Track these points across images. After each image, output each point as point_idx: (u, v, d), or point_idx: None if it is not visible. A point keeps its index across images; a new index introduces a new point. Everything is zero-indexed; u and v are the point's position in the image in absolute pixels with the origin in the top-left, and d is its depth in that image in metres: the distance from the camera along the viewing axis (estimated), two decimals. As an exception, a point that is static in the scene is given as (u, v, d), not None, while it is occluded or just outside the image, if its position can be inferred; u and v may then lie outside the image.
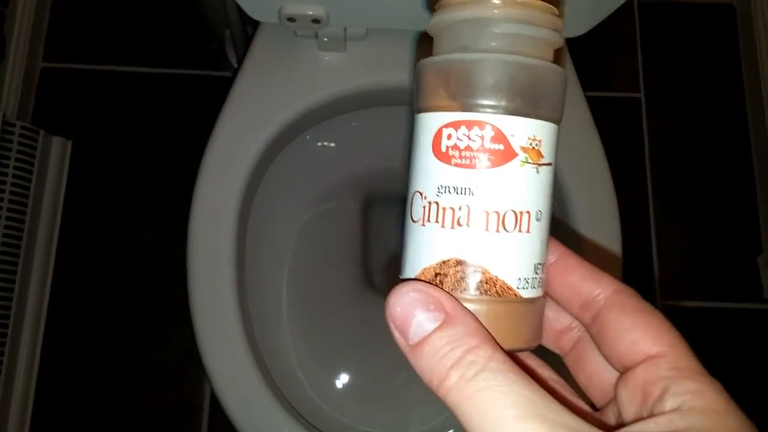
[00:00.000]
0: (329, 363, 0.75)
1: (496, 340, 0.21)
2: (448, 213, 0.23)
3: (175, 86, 1.04)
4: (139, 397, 0.93)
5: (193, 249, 0.63)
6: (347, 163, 0.76)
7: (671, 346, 0.22)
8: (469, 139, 0.23)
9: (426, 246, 0.24)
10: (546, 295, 0.25)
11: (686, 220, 1.03)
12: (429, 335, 0.21)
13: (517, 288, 0.23)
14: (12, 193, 0.90)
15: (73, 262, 0.97)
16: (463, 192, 0.23)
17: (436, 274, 0.23)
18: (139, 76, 1.04)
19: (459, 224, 0.23)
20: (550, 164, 0.24)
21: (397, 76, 0.64)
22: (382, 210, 0.81)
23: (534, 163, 0.23)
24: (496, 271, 0.23)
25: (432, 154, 0.24)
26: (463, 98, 0.23)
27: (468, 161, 0.23)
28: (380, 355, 0.77)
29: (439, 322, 0.21)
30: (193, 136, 1.02)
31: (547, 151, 0.23)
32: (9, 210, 0.89)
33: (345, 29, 0.62)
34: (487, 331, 0.21)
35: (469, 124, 0.23)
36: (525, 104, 0.23)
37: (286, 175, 0.72)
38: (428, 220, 0.23)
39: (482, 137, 0.23)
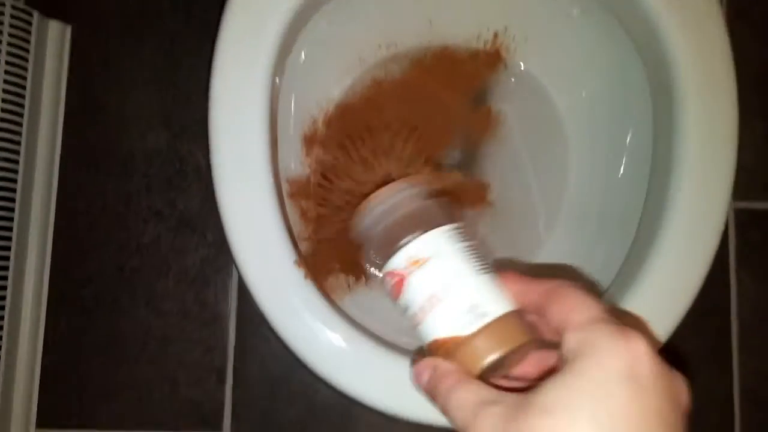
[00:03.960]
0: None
1: (458, 371, 0.32)
2: (416, 317, 0.34)
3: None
4: (158, 309, 0.86)
5: (218, 142, 0.52)
6: (395, 26, 0.65)
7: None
8: (389, 280, 0.36)
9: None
10: (514, 310, 0.33)
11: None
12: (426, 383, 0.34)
13: (462, 332, 0.32)
14: (7, 82, 0.79)
15: (78, 162, 0.88)
16: (406, 307, 0.35)
17: (430, 348, 0.34)
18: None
19: (416, 322, 0.34)
20: (435, 254, 0.34)
21: None
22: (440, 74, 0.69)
23: (417, 268, 0.34)
24: (442, 334, 0.33)
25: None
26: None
27: (398, 292, 0.35)
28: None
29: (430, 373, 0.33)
30: (212, 8, 0.91)
31: (425, 253, 0.34)
32: (3, 111, 0.79)
33: None
34: (454, 367, 0.33)
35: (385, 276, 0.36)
36: (387, 252, 0.35)
37: (322, 41, 0.61)
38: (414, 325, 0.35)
39: (390, 280, 0.35)
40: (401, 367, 0.48)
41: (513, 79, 0.66)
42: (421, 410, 0.47)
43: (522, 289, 0.34)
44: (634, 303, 0.49)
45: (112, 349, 0.85)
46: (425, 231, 0.34)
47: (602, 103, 0.64)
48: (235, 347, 0.85)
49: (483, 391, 0.30)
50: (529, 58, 0.66)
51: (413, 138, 0.65)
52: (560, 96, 0.65)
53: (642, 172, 0.57)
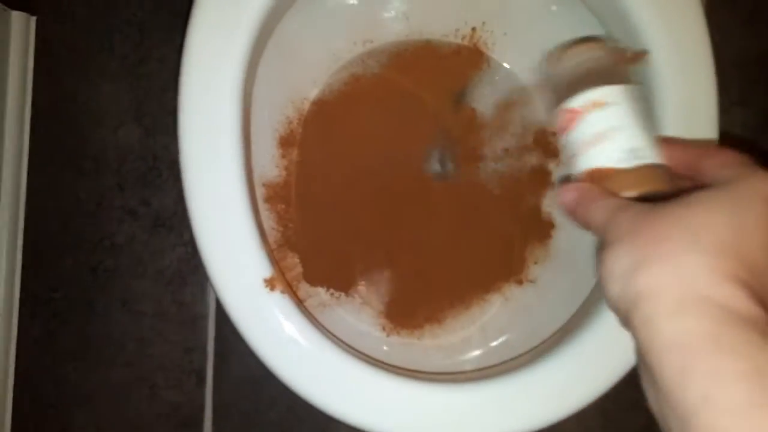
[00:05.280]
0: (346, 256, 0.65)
1: (605, 191, 0.37)
2: (580, 148, 0.40)
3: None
4: (134, 311, 0.84)
5: (187, 140, 0.50)
6: (370, 22, 0.63)
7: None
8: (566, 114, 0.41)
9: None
10: (667, 165, 0.39)
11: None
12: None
13: (618, 165, 0.38)
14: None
15: (48, 160, 0.85)
16: (572, 140, 0.41)
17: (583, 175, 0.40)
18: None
19: (576, 153, 0.40)
20: (615, 103, 0.40)
21: None
22: (419, 75, 0.66)
23: (597, 109, 0.40)
24: (599, 165, 0.39)
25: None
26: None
27: (570, 125, 0.41)
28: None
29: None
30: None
31: (609, 98, 0.40)
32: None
33: None
34: (600, 188, 0.38)
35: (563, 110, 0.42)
36: (570, 93, 0.41)
37: (295, 38, 0.59)
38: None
39: (567, 114, 0.41)
40: (385, 386, 0.46)
41: (495, 77, 0.64)
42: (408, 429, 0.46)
43: (679, 151, 0.38)
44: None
45: (87, 352, 0.83)
46: (611, 84, 0.40)
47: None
48: (215, 348, 0.84)
49: (625, 200, 0.34)
50: (508, 53, 0.64)
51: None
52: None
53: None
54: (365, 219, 0.64)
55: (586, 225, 0.36)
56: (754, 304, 0.27)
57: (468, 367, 0.52)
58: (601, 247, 0.32)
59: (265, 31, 0.53)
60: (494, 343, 0.58)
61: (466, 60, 0.64)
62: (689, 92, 0.51)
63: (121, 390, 0.83)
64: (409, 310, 0.62)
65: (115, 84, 0.86)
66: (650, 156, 0.38)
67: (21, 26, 0.84)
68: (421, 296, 0.62)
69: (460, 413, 0.46)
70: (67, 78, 0.86)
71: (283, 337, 0.47)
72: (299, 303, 0.49)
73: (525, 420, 0.46)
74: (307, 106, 0.64)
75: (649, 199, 0.34)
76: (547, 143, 0.63)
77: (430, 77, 0.65)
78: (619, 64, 0.43)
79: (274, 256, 0.50)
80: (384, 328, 0.61)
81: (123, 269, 0.84)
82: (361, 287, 0.62)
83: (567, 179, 0.40)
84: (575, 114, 0.40)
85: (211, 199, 0.49)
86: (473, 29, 0.63)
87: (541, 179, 0.64)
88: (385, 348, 0.58)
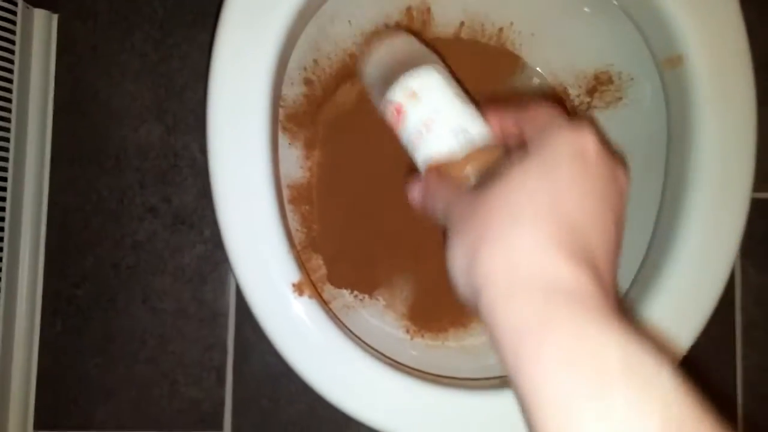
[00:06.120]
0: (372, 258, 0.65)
1: (444, 180, 0.37)
2: (414, 143, 0.41)
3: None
4: (155, 308, 0.84)
5: (217, 143, 0.50)
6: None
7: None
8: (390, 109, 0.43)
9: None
10: (490, 135, 0.39)
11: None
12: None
13: (449, 150, 0.39)
14: (-8, 76, 0.76)
15: (70, 157, 0.85)
16: (406, 134, 0.42)
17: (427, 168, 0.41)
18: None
19: (414, 147, 0.41)
20: (428, 86, 0.40)
21: None
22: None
23: (413, 100, 0.40)
24: (435, 156, 0.39)
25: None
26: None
27: (398, 120, 0.42)
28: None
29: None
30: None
31: (422, 84, 0.41)
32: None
33: None
34: (440, 178, 0.38)
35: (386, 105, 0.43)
36: (385, 87, 0.42)
37: (321, 38, 0.58)
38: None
39: (390, 108, 0.42)
40: (407, 389, 0.46)
41: (533, 81, 0.63)
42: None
43: (502, 118, 0.39)
44: (657, 308, 0.48)
45: (109, 348, 0.83)
46: (420, 65, 0.41)
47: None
48: (235, 345, 0.84)
49: (458, 189, 0.35)
50: (536, 54, 0.63)
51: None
52: (568, 96, 0.63)
53: (655, 172, 0.55)
54: (389, 220, 0.63)
55: (435, 220, 0.36)
56: (578, 273, 0.27)
57: (495, 373, 0.52)
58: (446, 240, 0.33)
59: (292, 37, 0.53)
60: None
61: (493, 59, 0.64)
62: (727, 95, 0.50)
63: (142, 386, 0.83)
64: (433, 314, 0.62)
65: (136, 82, 0.86)
66: (476, 130, 0.39)
67: (43, 24, 0.85)
68: (446, 300, 0.62)
69: (481, 420, 0.46)
70: (88, 76, 0.86)
71: (311, 342, 0.47)
72: (326, 307, 0.49)
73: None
74: (332, 106, 0.64)
75: (490, 172, 0.35)
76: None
77: (457, 75, 0.64)
78: (418, 44, 0.44)
79: (300, 258, 0.50)
80: (408, 331, 0.61)
81: (144, 266, 0.85)
82: (385, 289, 0.62)
83: (416, 175, 0.41)
84: (398, 109, 0.41)
85: (239, 202, 0.49)
86: (500, 29, 0.63)
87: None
88: (413, 353, 0.58)
